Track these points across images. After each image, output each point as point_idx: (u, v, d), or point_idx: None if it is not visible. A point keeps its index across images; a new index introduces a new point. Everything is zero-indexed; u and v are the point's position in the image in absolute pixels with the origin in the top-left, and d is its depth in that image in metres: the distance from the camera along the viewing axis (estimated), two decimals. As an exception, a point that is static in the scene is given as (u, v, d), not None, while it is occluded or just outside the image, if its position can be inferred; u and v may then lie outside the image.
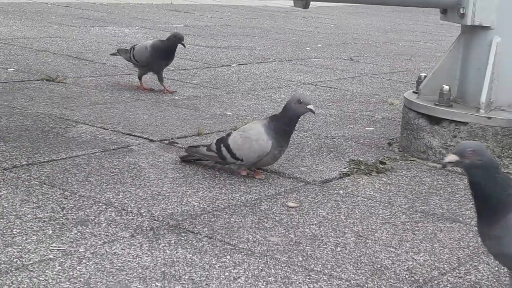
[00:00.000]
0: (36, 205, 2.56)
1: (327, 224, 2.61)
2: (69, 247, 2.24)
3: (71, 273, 2.08)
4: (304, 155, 3.49)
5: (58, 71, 5.02)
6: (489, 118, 3.40)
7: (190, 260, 2.22)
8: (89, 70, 5.18)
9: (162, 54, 4.58)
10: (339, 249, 2.40)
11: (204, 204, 2.68)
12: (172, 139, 3.56)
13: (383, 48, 8.08)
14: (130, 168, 3.07)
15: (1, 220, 2.40)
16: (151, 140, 3.53)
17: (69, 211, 2.53)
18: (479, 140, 3.41)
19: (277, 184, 3.03)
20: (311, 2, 3.28)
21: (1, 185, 2.72)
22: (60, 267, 2.11)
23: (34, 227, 2.36)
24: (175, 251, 2.27)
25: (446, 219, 2.79)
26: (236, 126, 3.76)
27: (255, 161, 2.98)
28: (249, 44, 7.37)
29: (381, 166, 3.38)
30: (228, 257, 2.26)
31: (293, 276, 2.17)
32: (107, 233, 2.37)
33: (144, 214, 2.53)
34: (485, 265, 2.41)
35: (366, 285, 2.16)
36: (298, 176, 3.16)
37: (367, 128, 4.20)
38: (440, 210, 2.88)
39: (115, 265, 2.14)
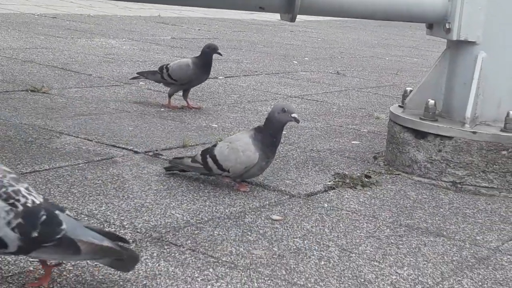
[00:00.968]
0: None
1: (311, 237, 2.59)
2: (50, 259, 2.12)
3: (51, 286, 2.05)
4: (290, 168, 3.47)
5: (43, 82, 4.99)
6: (474, 133, 3.39)
7: (173, 273, 2.19)
8: (75, 81, 5.15)
9: (203, 69, 4.58)
10: (322, 262, 2.37)
11: (188, 217, 2.65)
12: (156, 150, 3.53)
13: (370, 62, 8.10)
14: (113, 179, 3.03)
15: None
16: (136, 152, 3.50)
17: (51, 223, 2.46)
18: (463, 155, 3.40)
19: (262, 196, 3.01)
20: (298, 16, 3.30)
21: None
22: (40, 279, 2.03)
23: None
24: (157, 264, 2.24)
25: (430, 233, 2.78)
26: (221, 138, 3.72)
27: (242, 172, 2.94)
28: (236, 57, 7.36)
29: (366, 179, 3.38)
30: (211, 270, 2.24)
31: (276, 289, 2.12)
32: (88, 245, 2.21)
33: (126, 226, 2.50)
34: (469, 279, 2.40)
35: (349, 300, 2.10)
36: (283, 189, 3.14)
37: (352, 142, 4.21)
38: (425, 224, 2.87)
39: (96, 277, 2.11)
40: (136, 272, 2.16)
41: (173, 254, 2.31)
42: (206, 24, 10.71)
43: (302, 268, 2.32)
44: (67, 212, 1.97)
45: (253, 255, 2.37)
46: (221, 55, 4.71)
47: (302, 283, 2.20)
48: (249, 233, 2.56)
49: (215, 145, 3.02)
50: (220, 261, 2.30)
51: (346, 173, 3.46)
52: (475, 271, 2.45)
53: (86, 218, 2.55)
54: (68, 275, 2.13)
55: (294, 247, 2.48)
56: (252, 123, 4.32)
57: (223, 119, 4.47)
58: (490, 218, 3.03)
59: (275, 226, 2.67)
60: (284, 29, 11.28)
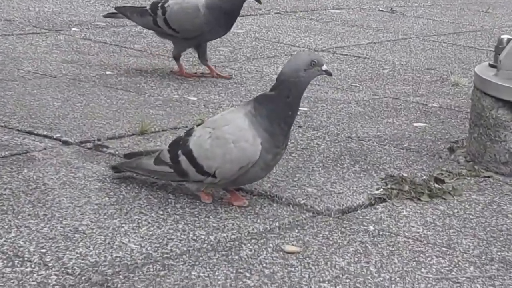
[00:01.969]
0: None
1: (348, 281, 2.21)
2: None
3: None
4: (313, 167, 3.05)
5: None
6: None
7: None
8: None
9: (223, 18, 3.79)
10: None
11: (149, 248, 2.28)
12: (99, 140, 3.12)
13: (444, -7, 7.44)
14: (29, 188, 2.65)
15: None
16: (65, 142, 3.09)
17: None
18: None
19: (268, 214, 2.63)
20: None
21: None
22: None
23: None
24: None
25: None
26: (202, 120, 3.26)
27: (236, 176, 2.55)
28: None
29: (436, 186, 2.97)
30: None
31: None
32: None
33: (50, 265, 2.14)
34: None
35: None
36: (302, 201, 2.74)
37: (415, 124, 3.68)
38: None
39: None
40: None
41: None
42: None
43: None
44: None
45: (255, 313, 2.16)
46: (260, 3, 4.06)
47: None
48: (248, 275, 2.20)
49: (189, 133, 2.61)
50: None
51: (405, 175, 3.04)
52: None
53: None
54: None
55: (321, 299, 2.23)
56: (252, 95, 3.71)
57: (206, 87, 3.94)
58: None
59: (290, 262, 2.29)
60: None
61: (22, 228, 2.36)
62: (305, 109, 3.60)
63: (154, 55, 4.42)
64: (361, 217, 2.69)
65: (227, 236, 2.45)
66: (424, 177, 3.07)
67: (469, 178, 3.13)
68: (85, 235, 2.35)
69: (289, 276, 2.20)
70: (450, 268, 2.36)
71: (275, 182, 2.87)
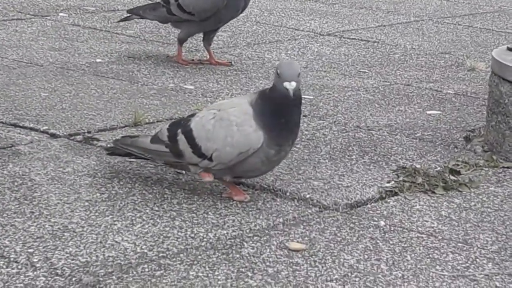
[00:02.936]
0: None
1: (358, 280, 2.17)
2: None
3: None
4: (319, 158, 2.99)
5: None
6: None
7: None
8: None
9: None
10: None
11: (144, 247, 2.23)
12: (89, 132, 3.08)
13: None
14: (15, 184, 2.60)
15: None
16: (53, 135, 3.04)
17: None
18: None
19: (271, 210, 2.57)
20: None
21: None
22: None
23: None
24: None
25: None
26: (200, 109, 3.15)
27: (234, 161, 2.51)
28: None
29: (452, 177, 2.88)
30: None
31: None
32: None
33: (38, 265, 2.10)
34: None
35: None
36: (308, 195, 2.67)
37: (429, 112, 3.59)
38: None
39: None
40: None
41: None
42: None
43: None
44: None
45: (258, 314, 2.18)
46: None
47: None
48: (250, 274, 2.15)
49: (192, 115, 2.61)
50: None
51: (418, 166, 2.96)
52: None
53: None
54: None
55: (329, 298, 2.25)
56: (255, 83, 3.77)
57: (204, 75, 3.85)
58: None
59: (295, 261, 2.24)
60: None
61: (7, 226, 2.31)
62: (311, 97, 3.57)
63: (147, 41, 4.35)
64: (371, 211, 2.62)
65: (227, 233, 2.40)
66: (439, 168, 2.99)
67: (486, 169, 3.05)
68: (75, 234, 2.30)
69: (294, 275, 2.15)
70: (467, 265, 2.29)
71: (278, 175, 2.82)
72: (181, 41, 3.96)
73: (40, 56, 3.95)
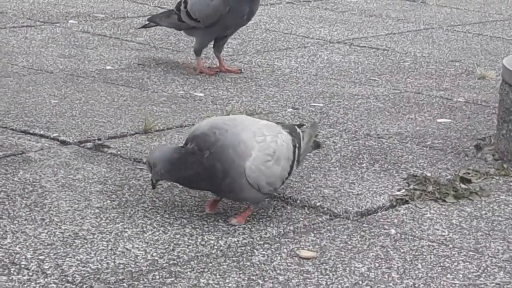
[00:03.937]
0: None
1: None
2: None
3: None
4: (330, 167, 2.99)
5: None
6: None
7: None
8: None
9: (242, 1, 3.85)
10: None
11: (155, 254, 2.23)
12: (99, 139, 3.06)
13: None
14: (25, 191, 2.59)
15: None
16: (63, 142, 3.03)
17: None
18: None
19: (282, 218, 2.58)
20: None
21: None
22: None
23: None
24: None
25: None
26: (209, 117, 3.24)
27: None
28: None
29: (462, 186, 2.87)
30: None
31: None
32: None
33: (49, 272, 2.09)
34: None
35: None
36: (318, 204, 2.67)
37: (439, 120, 3.59)
38: None
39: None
40: None
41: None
42: None
43: None
44: None
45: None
46: None
47: None
48: (261, 282, 2.16)
49: None
50: None
51: (428, 174, 2.96)
52: None
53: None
54: None
55: (340, 307, 2.28)
56: (264, 90, 3.78)
57: (213, 82, 3.85)
58: None
59: (306, 269, 2.24)
60: None
61: (18, 233, 2.31)
62: (321, 105, 3.59)
63: (157, 48, 4.36)
64: (381, 219, 2.62)
65: (238, 240, 2.40)
66: (449, 176, 2.99)
67: (497, 177, 3.03)
68: (85, 241, 2.30)
69: (305, 283, 2.14)
70: (478, 273, 2.29)
71: (289, 183, 2.81)
72: (197, 52, 4.00)
73: (50, 63, 3.98)
